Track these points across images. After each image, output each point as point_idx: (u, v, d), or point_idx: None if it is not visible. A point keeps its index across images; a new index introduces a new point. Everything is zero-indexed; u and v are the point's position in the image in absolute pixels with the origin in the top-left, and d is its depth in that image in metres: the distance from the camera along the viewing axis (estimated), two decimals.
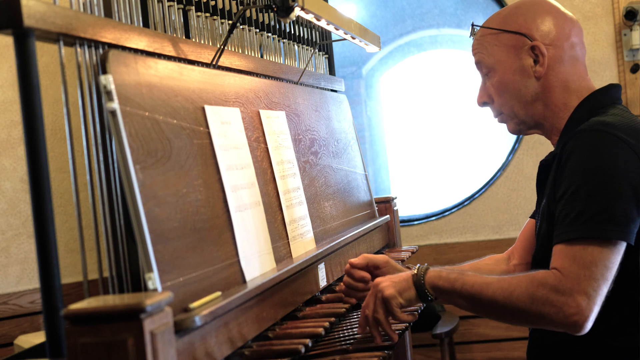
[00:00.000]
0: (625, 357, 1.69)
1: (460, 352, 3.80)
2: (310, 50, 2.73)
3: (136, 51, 1.58)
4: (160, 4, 1.77)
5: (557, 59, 1.81)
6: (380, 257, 1.98)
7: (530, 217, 2.06)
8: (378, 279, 1.77)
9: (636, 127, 1.69)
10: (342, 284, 1.97)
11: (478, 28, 1.89)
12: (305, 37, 2.70)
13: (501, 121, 1.92)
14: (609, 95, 1.82)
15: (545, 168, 1.85)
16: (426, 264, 1.77)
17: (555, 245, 1.63)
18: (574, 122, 1.78)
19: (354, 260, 1.96)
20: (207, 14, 1.99)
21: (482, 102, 1.91)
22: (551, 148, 1.89)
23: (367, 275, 1.94)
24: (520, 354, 3.79)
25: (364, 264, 1.95)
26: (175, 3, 1.82)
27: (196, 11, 1.93)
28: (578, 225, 1.59)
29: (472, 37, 1.92)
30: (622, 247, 1.59)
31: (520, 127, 1.89)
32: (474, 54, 1.89)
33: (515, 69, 1.82)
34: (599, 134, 1.65)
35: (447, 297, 1.73)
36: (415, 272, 1.73)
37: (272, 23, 2.41)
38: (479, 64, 1.89)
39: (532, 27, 1.80)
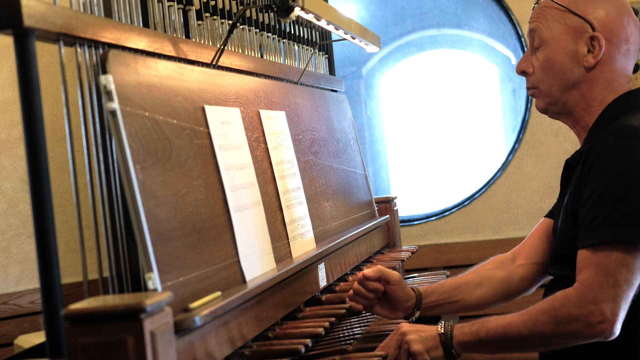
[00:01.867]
0: (631, 351, 1.70)
1: None
2: (310, 50, 2.73)
3: (136, 51, 1.58)
4: (160, 4, 1.77)
5: (610, 57, 1.80)
6: (394, 274, 1.96)
7: (545, 217, 2.05)
8: (405, 328, 1.75)
9: None
10: (351, 291, 1.95)
11: None
12: (305, 37, 2.70)
13: (532, 95, 1.91)
14: (639, 97, 1.81)
15: (571, 166, 1.84)
16: (451, 322, 1.75)
17: (580, 250, 1.65)
18: (602, 121, 1.79)
19: (368, 272, 1.94)
20: (207, 14, 1.99)
21: (522, 71, 1.90)
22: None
23: (380, 287, 1.94)
24: (520, 354, 3.79)
25: (378, 276, 1.94)
26: (175, 3, 1.82)
27: (196, 12, 1.93)
28: (604, 230, 1.60)
29: (535, 5, 1.90)
30: None
31: (549, 108, 1.88)
32: (532, 22, 1.87)
33: (568, 51, 1.80)
34: (626, 137, 1.66)
35: (475, 350, 1.73)
36: (442, 330, 1.72)
37: (272, 23, 2.41)
38: (533, 31, 1.86)
39: (599, 17, 1.79)
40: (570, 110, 1.85)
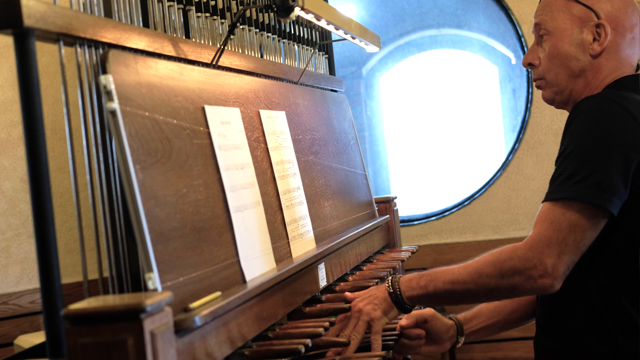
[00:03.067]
0: (629, 339, 1.70)
1: (460, 352, 3.80)
2: (310, 50, 2.73)
3: (136, 51, 1.58)
4: (160, 4, 1.77)
5: (616, 45, 1.81)
6: (427, 311, 2.00)
7: None
8: (356, 301, 1.82)
9: None
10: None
11: None
12: (305, 37, 2.70)
13: (539, 86, 1.92)
14: (636, 81, 1.83)
15: None
16: (397, 275, 1.81)
17: (543, 202, 1.68)
18: None
19: (403, 323, 1.96)
20: (207, 14, 1.99)
21: (528, 63, 1.91)
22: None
23: (421, 332, 1.97)
24: (520, 353, 3.79)
25: (414, 322, 1.98)
26: (175, 3, 1.82)
27: (196, 11, 1.93)
28: (566, 187, 1.64)
29: None
30: (604, 213, 1.63)
31: (556, 97, 1.90)
32: (537, 15, 1.89)
33: (573, 40, 1.82)
34: (605, 101, 1.68)
35: (424, 303, 1.81)
36: (390, 289, 1.78)
37: (272, 23, 2.41)
38: (538, 25, 1.88)
39: (604, 6, 1.81)
40: (575, 98, 1.86)
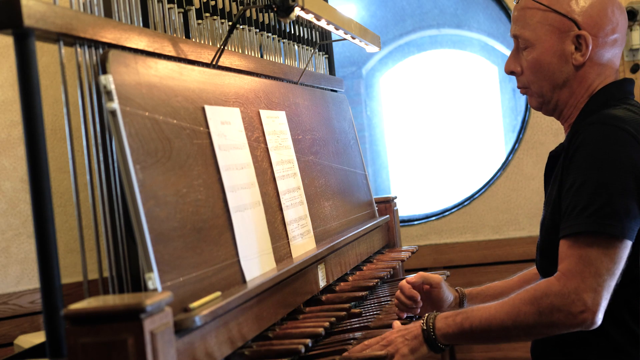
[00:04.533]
0: (629, 349, 1.70)
1: (460, 352, 3.80)
2: (310, 50, 2.73)
3: (136, 51, 1.58)
4: (160, 4, 1.77)
5: (599, 52, 1.78)
6: (435, 277, 2.02)
7: None
8: (390, 332, 1.76)
9: None
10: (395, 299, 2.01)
11: None
12: (305, 37, 2.70)
13: (524, 94, 1.91)
14: (623, 89, 1.81)
15: (554, 159, 1.84)
16: (434, 312, 1.75)
17: (562, 239, 1.64)
18: (586, 112, 1.78)
19: (410, 278, 2.00)
20: (207, 14, 1.99)
21: (510, 71, 1.88)
22: (552, 149, 1.89)
23: (416, 295, 1.98)
24: (520, 353, 3.79)
25: (420, 281, 2.00)
26: (175, 4, 1.82)
27: (196, 12, 1.93)
28: (583, 219, 1.60)
29: (515, 1, 1.85)
30: (627, 242, 1.60)
31: (542, 107, 1.88)
32: (514, 26, 1.84)
33: (555, 51, 1.78)
34: (608, 127, 1.65)
35: (459, 341, 1.73)
36: (425, 327, 1.72)
37: (272, 23, 2.41)
38: (517, 37, 1.84)
39: (582, 13, 1.75)
40: (562, 108, 1.84)
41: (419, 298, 1.99)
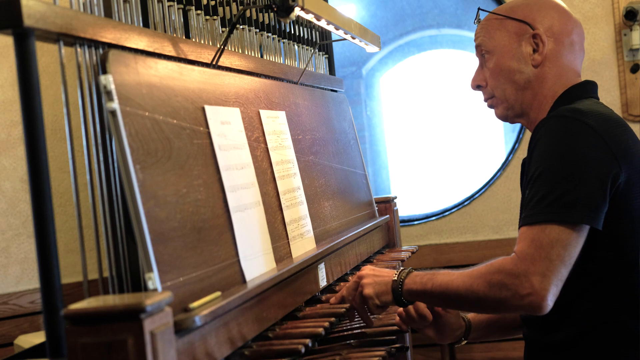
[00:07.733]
0: (620, 352, 1.70)
1: (460, 352, 3.80)
2: (310, 50, 2.73)
3: (136, 51, 1.58)
4: (160, 4, 1.77)
5: (556, 53, 1.85)
6: None
7: None
8: (364, 272, 1.85)
9: (606, 115, 1.74)
10: (401, 309, 1.92)
11: (485, 13, 1.94)
12: (305, 37, 2.70)
13: (490, 105, 1.95)
14: (584, 89, 1.86)
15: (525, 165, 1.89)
16: (410, 268, 1.82)
17: (519, 228, 1.69)
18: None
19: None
20: (207, 16, 1.99)
21: (476, 85, 1.95)
22: None
23: (429, 316, 1.90)
24: (520, 353, 3.78)
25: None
26: (175, 3, 1.82)
27: (196, 10, 1.93)
28: (540, 209, 1.64)
29: (476, 22, 1.96)
30: (584, 230, 1.63)
31: (508, 113, 1.92)
32: (476, 38, 1.93)
33: (514, 54, 1.86)
34: (566, 119, 1.70)
35: (421, 299, 1.81)
36: (396, 277, 1.79)
37: (272, 23, 2.41)
38: (479, 47, 1.92)
39: (536, 17, 1.85)
40: (527, 110, 1.89)
41: (430, 319, 1.92)
